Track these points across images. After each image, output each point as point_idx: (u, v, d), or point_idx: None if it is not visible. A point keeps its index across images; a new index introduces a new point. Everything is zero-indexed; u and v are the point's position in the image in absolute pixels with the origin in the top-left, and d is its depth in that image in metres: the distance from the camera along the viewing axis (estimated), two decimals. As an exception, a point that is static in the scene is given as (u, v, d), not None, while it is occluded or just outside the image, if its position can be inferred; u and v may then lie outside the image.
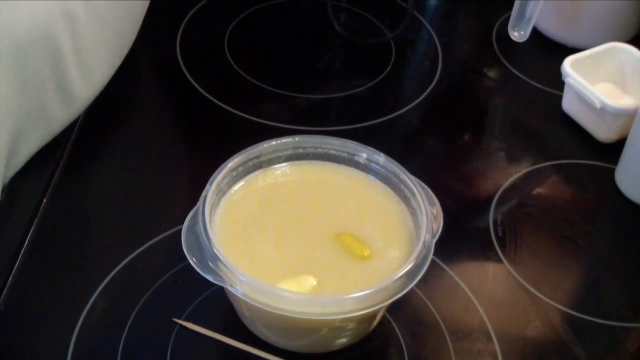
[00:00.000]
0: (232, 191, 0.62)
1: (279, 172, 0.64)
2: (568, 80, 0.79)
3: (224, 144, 0.77)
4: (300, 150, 0.64)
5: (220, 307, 0.61)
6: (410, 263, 0.55)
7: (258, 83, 0.84)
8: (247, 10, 0.93)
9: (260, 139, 0.63)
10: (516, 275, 0.67)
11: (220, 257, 0.54)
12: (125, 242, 0.66)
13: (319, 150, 0.64)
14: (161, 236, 0.66)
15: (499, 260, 0.68)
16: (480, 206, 0.73)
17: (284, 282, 0.56)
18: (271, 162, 0.63)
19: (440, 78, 0.87)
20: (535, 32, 0.91)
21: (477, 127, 0.83)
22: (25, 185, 0.69)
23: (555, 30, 0.91)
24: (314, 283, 0.56)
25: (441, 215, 0.60)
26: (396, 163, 0.62)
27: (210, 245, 0.54)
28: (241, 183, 0.62)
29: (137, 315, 0.61)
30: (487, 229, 0.71)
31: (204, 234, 0.55)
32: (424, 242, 0.56)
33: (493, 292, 0.66)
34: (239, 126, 0.79)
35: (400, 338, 0.61)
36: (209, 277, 0.54)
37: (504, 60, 0.90)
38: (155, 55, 0.87)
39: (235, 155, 0.61)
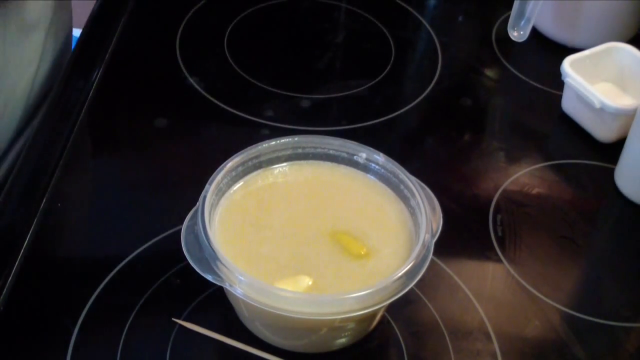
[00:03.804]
0: (231, 191, 0.62)
1: (278, 172, 0.64)
2: (568, 80, 0.79)
3: (223, 144, 0.77)
4: (300, 151, 0.64)
5: (219, 307, 0.61)
6: (410, 263, 0.55)
7: (258, 83, 0.84)
8: (247, 10, 0.93)
9: (260, 139, 0.63)
10: (516, 275, 0.67)
11: (220, 257, 0.54)
12: (125, 242, 0.66)
13: (319, 150, 0.64)
14: (161, 236, 0.66)
15: (499, 260, 0.68)
16: (480, 206, 0.73)
17: (280, 282, 0.56)
18: (270, 162, 0.63)
19: (440, 78, 0.87)
20: (535, 32, 0.91)
21: (477, 127, 0.83)
22: (25, 184, 0.69)
23: (554, 30, 0.91)
24: (310, 283, 0.56)
25: (440, 215, 0.60)
26: (395, 163, 0.62)
27: (209, 245, 0.54)
28: (240, 183, 0.62)
29: (137, 315, 0.61)
30: (487, 229, 0.71)
31: (203, 234, 0.55)
32: (424, 242, 0.56)
33: (493, 292, 0.66)
34: (239, 126, 0.79)
35: (400, 338, 0.61)
36: (209, 277, 0.54)
37: (503, 60, 0.90)
38: (155, 55, 0.87)
39: (235, 156, 0.61)
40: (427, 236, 0.57)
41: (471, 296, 0.65)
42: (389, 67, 0.87)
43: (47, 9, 0.79)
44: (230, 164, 0.61)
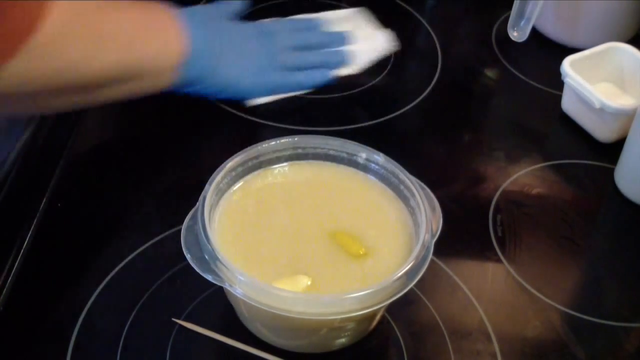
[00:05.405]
0: (231, 191, 0.62)
1: (278, 172, 0.64)
2: (567, 80, 0.79)
3: (223, 144, 0.77)
4: (300, 151, 0.64)
5: (219, 307, 0.61)
6: (410, 263, 0.55)
7: (258, 83, 0.83)
8: (247, 10, 0.93)
9: (260, 139, 0.63)
10: (516, 275, 0.67)
11: (220, 257, 0.54)
12: (125, 242, 0.66)
13: (319, 150, 0.64)
14: (161, 236, 0.66)
15: (499, 260, 0.68)
16: (479, 206, 0.73)
17: (280, 282, 0.56)
18: (270, 162, 0.63)
19: (440, 78, 0.87)
20: (535, 32, 0.91)
21: (477, 127, 0.83)
22: (25, 185, 0.69)
23: (554, 30, 0.91)
24: (308, 282, 0.56)
25: (440, 215, 0.60)
26: (395, 163, 0.62)
27: (209, 246, 0.54)
28: (240, 183, 0.62)
29: (137, 315, 0.61)
30: (487, 229, 0.71)
31: (203, 234, 0.55)
32: (423, 242, 0.56)
33: (492, 292, 0.66)
34: (239, 126, 0.79)
35: (400, 338, 0.61)
36: (209, 277, 0.54)
37: (503, 60, 0.90)
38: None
39: (235, 156, 0.61)
40: (427, 236, 0.57)
41: (471, 296, 0.65)
42: (389, 67, 0.87)
43: None
44: (230, 164, 0.61)
